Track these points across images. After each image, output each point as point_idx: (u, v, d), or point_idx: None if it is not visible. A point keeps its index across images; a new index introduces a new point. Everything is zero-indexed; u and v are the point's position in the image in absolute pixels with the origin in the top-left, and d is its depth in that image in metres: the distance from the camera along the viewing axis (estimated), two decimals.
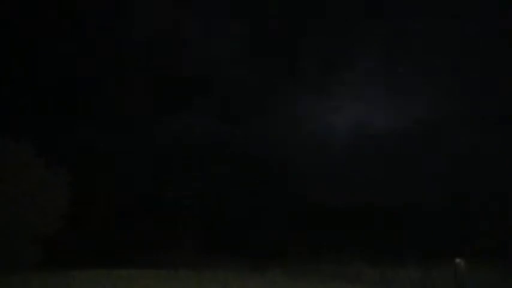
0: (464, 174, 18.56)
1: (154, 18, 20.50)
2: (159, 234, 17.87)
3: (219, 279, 13.83)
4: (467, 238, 16.87)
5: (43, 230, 16.04)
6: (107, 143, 19.39)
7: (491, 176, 18.25)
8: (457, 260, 13.69)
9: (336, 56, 20.61)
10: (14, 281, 13.40)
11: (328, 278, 14.95)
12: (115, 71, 19.81)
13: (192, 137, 19.99)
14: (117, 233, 17.64)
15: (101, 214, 18.26)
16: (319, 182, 19.51)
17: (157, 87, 20.26)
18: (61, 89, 19.37)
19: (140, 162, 19.62)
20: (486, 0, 19.32)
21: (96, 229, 17.72)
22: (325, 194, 19.18)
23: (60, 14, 19.74)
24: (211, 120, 20.52)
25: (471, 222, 17.59)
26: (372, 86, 20.01)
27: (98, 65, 19.81)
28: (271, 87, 20.45)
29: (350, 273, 15.42)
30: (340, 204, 18.93)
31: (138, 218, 18.22)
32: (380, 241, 17.57)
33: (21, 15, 19.64)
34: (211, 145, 19.78)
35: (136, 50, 20.39)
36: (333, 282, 14.54)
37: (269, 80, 20.47)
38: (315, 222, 18.71)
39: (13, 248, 15.64)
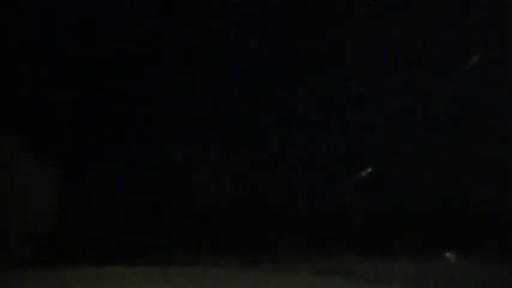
0: (458, 171, 18.63)
1: None
2: (150, 231, 17.81)
3: (211, 275, 13.82)
4: (458, 232, 16.96)
5: (34, 227, 15.93)
6: (99, 140, 19.30)
7: (485, 173, 18.34)
8: (448, 254, 13.78)
9: None
10: (5, 278, 13.34)
11: (320, 273, 14.96)
12: (103, 65, 19.62)
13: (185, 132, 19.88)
14: (108, 231, 17.57)
15: (91, 211, 18.18)
16: (311, 179, 19.52)
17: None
18: (51, 84, 19.20)
19: (133, 158, 19.53)
20: None
21: (87, 227, 17.64)
22: (319, 191, 19.22)
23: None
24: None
25: (462, 217, 17.69)
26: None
27: (86, 59, 19.62)
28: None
29: (342, 267, 15.43)
30: (332, 200, 18.99)
31: (129, 215, 18.14)
32: (372, 235, 17.61)
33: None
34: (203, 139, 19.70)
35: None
36: (325, 276, 14.56)
37: None
38: (305, 217, 18.73)
39: (4, 245, 15.55)
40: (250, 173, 19.14)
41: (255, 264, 15.87)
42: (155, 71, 20.35)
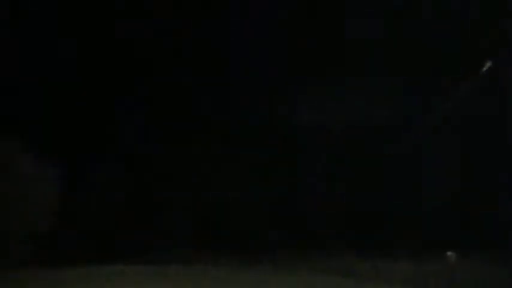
0: (455, 169, 18.65)
1: None
2: (150, 230, 17.84)
3: (210, 274, 13.83)
4: (458, 232, 16.96)
5: (34, 227, 15.94)
6: (99, 139, 19.32)
7: (482, 171, 18.36)
8: (449, 253, 13.79)
9: None
10: (4, 278, 13.35)
11: (319, 272, 14.97)
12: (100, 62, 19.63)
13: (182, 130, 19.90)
14: (108, 230, 17.59)
15: (91, 211, 18.21)
16: (310, 178, 19.54)
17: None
18: (48, 82, 19.21)
19: (130, 156, 19.55)
20: None
21: (87, 226, 17.67)
22: (317, 189, 19.24)
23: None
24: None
25: (462, 216, 17.69)
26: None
27: (86, 59, 19.64)
28: None
29: (342, 267, 15.45)
30: (331, 198, 19.01)
31: (129, 214, 18.17)
32: (372, 234, 17.62)
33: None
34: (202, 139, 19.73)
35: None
36: (324, 276, 14.57)
37: None
38: (306, 216, 18.75)
39: (3, 245, 15.55)
40: (250, 173, 19.20)
41: (255, 263, 15.87)
42: (155, 70, 20.36)
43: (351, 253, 16.16)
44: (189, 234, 17.65)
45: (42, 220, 16.07)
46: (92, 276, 13.55)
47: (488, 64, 17.64)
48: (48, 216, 16.20)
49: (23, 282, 13.02)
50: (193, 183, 19.35)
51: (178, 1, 20.25)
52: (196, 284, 12.96)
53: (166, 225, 18.02)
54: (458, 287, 14.28)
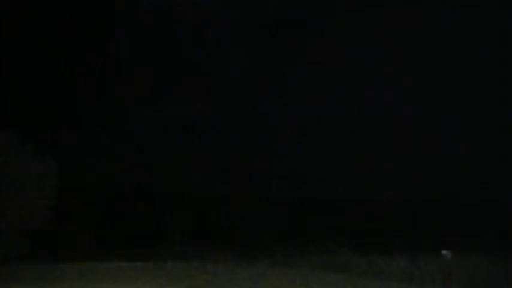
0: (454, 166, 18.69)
1: None
2: (147, 226, 17.82)
3: (208, 270, 13.82)
4: (454, 229, 17.02)
5: (29, 221, 15.86)
6: (95, 133, 19.28)
7: (480, 169, 18.39)
8: (444, 252, 13.84)
9: None
10: (2, 273, 13.29)
11: (316, 268, 15.00)
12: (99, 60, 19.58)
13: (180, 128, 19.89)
14: (105, 225, 17.57)
15: (88, 205, 18.16)
16: (309, 174, 19.56)
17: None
18: (45, 76, 19.15)
19: (128, 152, 19.52)
20: None
21: (83, 221, 17.62)
22: (315, 186, 19.26)
23: None
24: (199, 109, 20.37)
25: (459, 214, 17.75)
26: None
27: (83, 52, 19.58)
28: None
29: (338, 263, 15.48)
30: (328, 195, 19.02)
31: (126, 210, 18.16)
32: (368, 231, 17.67)
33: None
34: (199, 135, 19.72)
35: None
36: (321, 272, 14.60)
37: None
38: (303, 213, 18.77)
39: (1, 240, 15.48)
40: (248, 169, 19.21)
41: (252, 259, 15.89)
42: (156, 69, 20.34)
43: (348, 248, 16.18)
44: (187, 230, 17.66)
45: (39, 215, 16.00)
46: (89, 272, 13.51)
47: None
48: (46, 211, 16.13)
49: (19, 278, 12.95)
50: (188, 179, 19.35)
51: None
52: (194, 279, 12.94)
53: (164, 221, 18.01)
54: (455, 284, 14.32)
